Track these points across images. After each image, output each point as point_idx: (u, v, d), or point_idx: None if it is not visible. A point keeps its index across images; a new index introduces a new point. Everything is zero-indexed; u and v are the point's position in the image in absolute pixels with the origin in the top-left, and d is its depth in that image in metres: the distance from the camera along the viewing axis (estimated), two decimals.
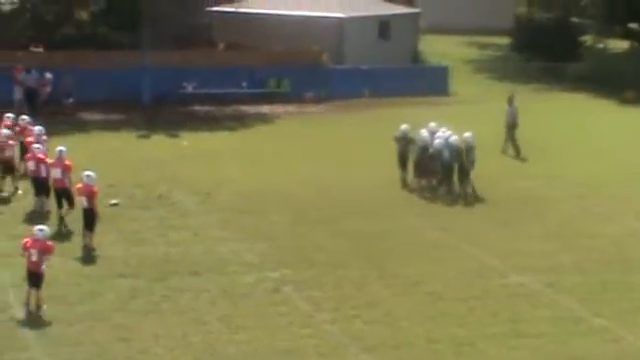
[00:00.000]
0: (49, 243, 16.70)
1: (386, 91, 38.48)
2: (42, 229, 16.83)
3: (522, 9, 49.66)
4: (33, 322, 16.13)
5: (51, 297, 16.81)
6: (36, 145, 22.27)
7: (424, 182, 24.84)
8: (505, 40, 50.10)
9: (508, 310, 17.32)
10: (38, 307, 16.46)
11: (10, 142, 23.68)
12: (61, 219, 20.87)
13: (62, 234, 20.40)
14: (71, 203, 20.96)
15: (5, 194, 23.25)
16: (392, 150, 25.60)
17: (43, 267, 16.56)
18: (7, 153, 23.52)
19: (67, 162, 21.20)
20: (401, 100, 37.42)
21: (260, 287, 18.07)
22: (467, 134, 24.76)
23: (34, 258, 16.47)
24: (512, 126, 29.30)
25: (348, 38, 43.03)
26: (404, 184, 25.04)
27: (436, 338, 16.08)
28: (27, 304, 16.56)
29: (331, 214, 22.74)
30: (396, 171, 25.22)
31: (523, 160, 28.56)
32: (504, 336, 16.26)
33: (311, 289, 18.01)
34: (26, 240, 16.78)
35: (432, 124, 25.50)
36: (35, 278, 16.49)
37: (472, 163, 24.43)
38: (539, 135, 31.36)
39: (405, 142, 25.16)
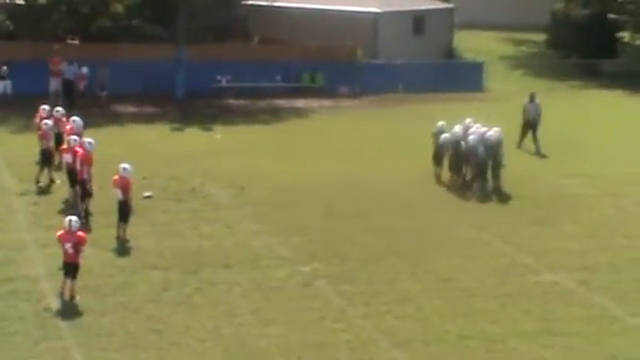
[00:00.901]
0: (80, 234, 16.73)
1: (420, 87, 38.33)
2: (74, 220, 16.84)
3: (559, 5, 49.14)
4: (67, 312, 16.26)
5: (85, 288, 16.95)
6: (73, 137, 22.41)
7: (456, 178, 24.75)
8: (541, 36, 49.71)
9: (541, 308, 17.21)
10: (72, 297, 16.62)
11: (50, 132, 23.97)
12: (85, 210, 21.08)
13: (94, 226, 20.57)
14: (82, 196, 21.14)
15: (42, 184, 23.46)
16: (426, 146, 25.52)
17: (80, 258, 16.68)
18: (50, 143, 23.79)
19: (90, 155, 21.29)
20: (435, 96, 37.29)
21: (292, 281, 18.10)
22: (495, 129, 24.63)
23: (70, 251, 16.61)
24: (533, 123, 29.09)
25: (382, 33, 42.99)
26: (438, 180, 24.96)
27: (467, 334, 16.01)
28: (62, 294, 16.71)
29: (364, 209, 22.71)
30: (430, 167, 25.13)
31: (544, 157, 28.36)
32: (536, 334, 16.16)
33: (343, 284, 18.01)
34: (60, 233, 16.86)
35: (468, 120, 25.38)
36: (71, 268, 16.64)
37: (501, 159, 24.38)
38: (574, 132, 31.13)
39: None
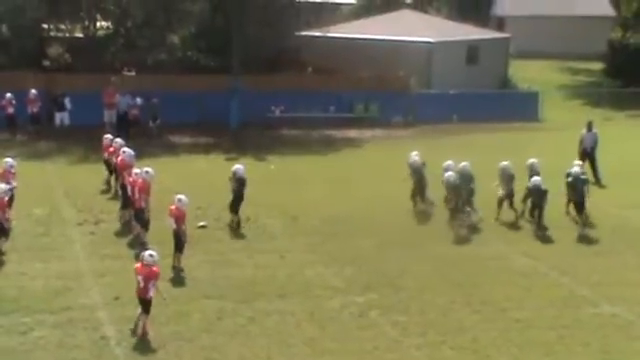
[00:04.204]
0: (154, 269, 16.44)
1: (474, 116, 38.18)
2: (152, 255, 16.53)
3: (616, 33, 48.68)
4: (123, 341, 16.30)
5: None
6: (136, 170, 22.22)
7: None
8: (598, 65, 49.24)
9: (600, 341, 16.87)
10: (142, 334, 16.37)
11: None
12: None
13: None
14: (142, 224, 21.28)
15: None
16: (479, 176, 25.20)
17: (150, 294, 16.37)
18: None
19: (148, 184, 21.43)
20: (490, 126, 37.11)
21: (346, 311, 18.00)
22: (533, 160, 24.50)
23: (141, 284, 16.38)
24: (590, 152, 28.74)
25: (436, 63, 42.92)
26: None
27: None
28: (135, 327, 16.50)
29: (417, 239, 22.57)
30: (482, 198, 24.83)
31: (603, 187, 27.94)
32: None
33: (397, 314, 17.86)
34: (137, 265, 16.72)
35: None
36: (142, 303, 16.42)
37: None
38: (633, 163, 30.63)
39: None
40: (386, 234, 22.80)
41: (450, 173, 23.95)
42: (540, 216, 23.45)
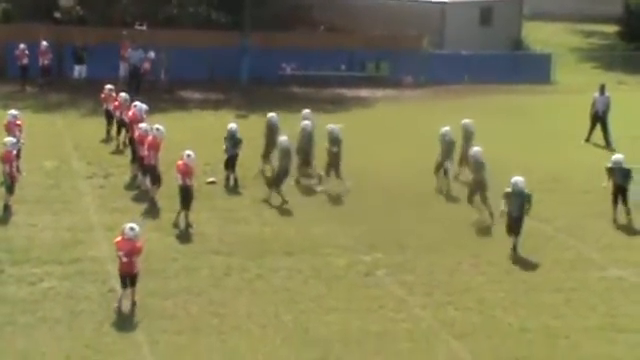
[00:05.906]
0: (138, 244, 15.68)
1: (486, 78, 37.96)
2: (132, 228, 15.72)
3: None
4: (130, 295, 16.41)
5: (148, 271, 17.01)
6: (143, 125, 22.28)
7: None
8: (612, 28, 48.78)
9: (606, 303, 16.91)
10: (133, 304, 15.96)
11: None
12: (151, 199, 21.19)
13: (157, 210, 20.79)
14: (153, 181, 21.22)
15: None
16: (488, 138, 25.11)
17: (136, 269, 15.83)
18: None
19: (158, 141, 21.35)
20: (501, 87, 36.92)
21: (353, 269, 18.07)
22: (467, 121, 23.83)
23: (124, 259, 15.68)
24: (602, 116, 28.59)
25: (449, 23, 42.64)
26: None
27: (529, 328, 15.82)
28: (119, 307, 15.79)
29: (425, 199, 22.58)
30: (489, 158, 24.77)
31: (613, 150, 27.79)
32: (601, 330, 15.88)
33: (404, 273, 17.93)
34: (117, 239, 15.90)
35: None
36: (129, 279, 15.86)
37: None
38: None
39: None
40: (393, 194, 22.79)
41: (284, 137, 22.43)
42: (519, 232, 19.30)
